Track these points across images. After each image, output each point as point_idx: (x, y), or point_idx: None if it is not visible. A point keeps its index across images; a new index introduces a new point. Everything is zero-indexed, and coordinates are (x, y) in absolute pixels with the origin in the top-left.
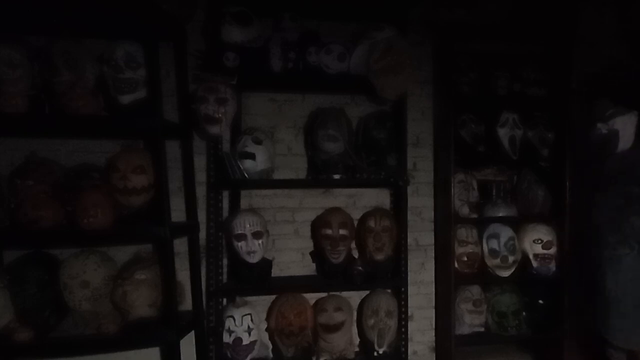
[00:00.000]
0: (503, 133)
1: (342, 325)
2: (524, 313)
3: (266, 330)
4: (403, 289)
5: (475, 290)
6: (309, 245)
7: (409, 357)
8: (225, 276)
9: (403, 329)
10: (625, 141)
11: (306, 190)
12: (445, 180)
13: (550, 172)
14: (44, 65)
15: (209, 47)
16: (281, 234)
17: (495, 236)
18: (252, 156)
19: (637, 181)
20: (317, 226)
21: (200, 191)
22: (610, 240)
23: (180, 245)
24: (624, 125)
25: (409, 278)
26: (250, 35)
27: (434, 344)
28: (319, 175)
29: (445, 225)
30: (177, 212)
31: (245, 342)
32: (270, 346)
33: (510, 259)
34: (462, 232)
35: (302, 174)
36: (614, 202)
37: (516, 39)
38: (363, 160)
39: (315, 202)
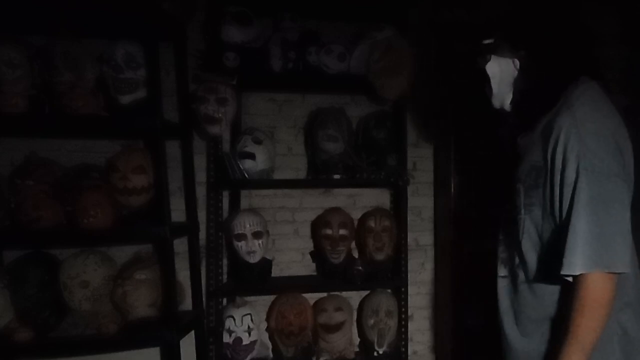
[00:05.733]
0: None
1: (342, 325)
2: None
3: (266, 330)
4: (403, 289)
5: None
6: (309, 245)
7: (409, 357)
8: (225, 276)
9: (403, 329)
10: None
11: (306, 190)
12: (445, 180)
13: None
14: (44, 65)
15: (209, 47)
16: (281, 234)
17: None
18: (252, 156)
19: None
20: (317, 226)
21: (200, 191)
22: (499, 255)
23: (180, 245)
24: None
25: (409, 278)
26: (250, 35)
27: (434, 344)
28: (319, 175)
29: (445, 225)
30: (177, 212)
31: (245, 342)
32: (270, 346)
33: None
34: None
35: (302, 174)
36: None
37: None
38: (363, 160)
39: (315, 202)
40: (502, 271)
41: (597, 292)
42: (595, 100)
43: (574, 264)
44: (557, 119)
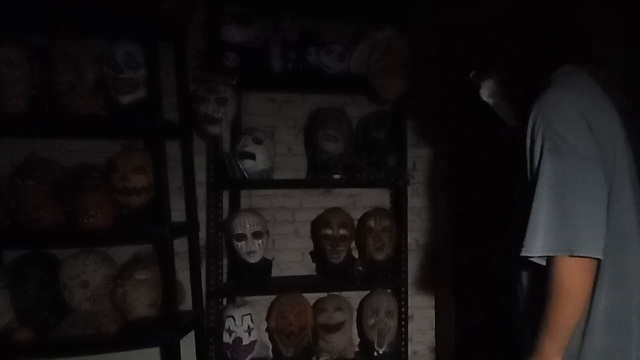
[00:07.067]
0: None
1: (342, 325)
2: None
3: (266, 330)
4: (403, 289)
5: None
6: (309, 245)
7: (409, 357)
8: (225, 276)
9: (403, 329)
10: None
11: (306, 190)
12: (445, 180)
13: None
14: (44, 65)
15: (209, 47)
16: (281, 234)
17: None
18: (252, 156)
19: None
20: (317, 226)
21: (200, 191)
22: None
23: (180, 245)
24: None
25: (409, 278)
26: (250, 35)
27: (434, 344)
28: (319, 175)
29: (445, 225)
30: (177, 212)
31: (245, 342)
32: (270, 346)
33: None
34: None
35: (302, 174)
36: None
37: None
38: (363, 160)
39: (315, 202)
40: (512, 268)
41: (562, 277)
42: (567, 82)
43: (533, 246)
44: (530, 106)
